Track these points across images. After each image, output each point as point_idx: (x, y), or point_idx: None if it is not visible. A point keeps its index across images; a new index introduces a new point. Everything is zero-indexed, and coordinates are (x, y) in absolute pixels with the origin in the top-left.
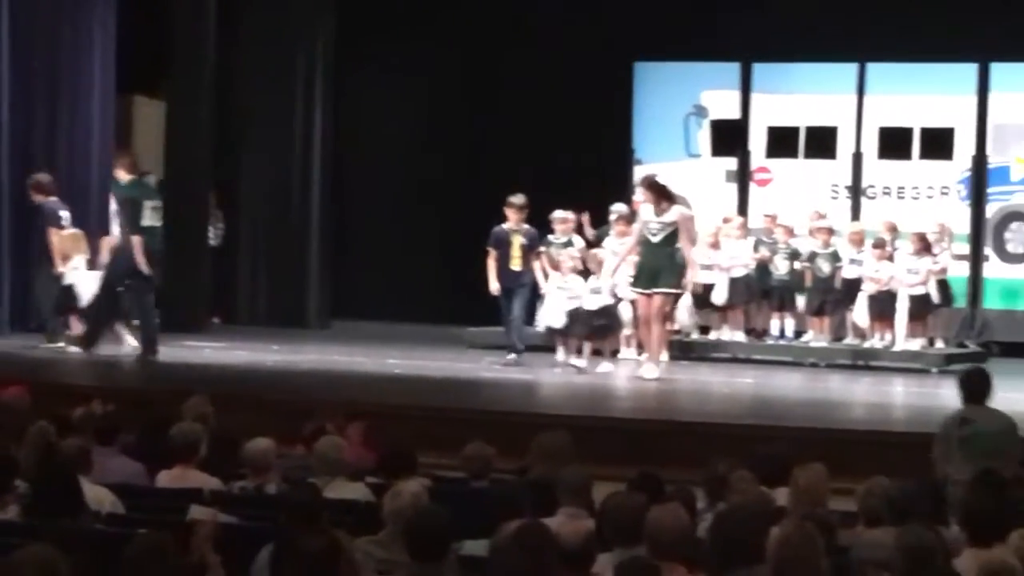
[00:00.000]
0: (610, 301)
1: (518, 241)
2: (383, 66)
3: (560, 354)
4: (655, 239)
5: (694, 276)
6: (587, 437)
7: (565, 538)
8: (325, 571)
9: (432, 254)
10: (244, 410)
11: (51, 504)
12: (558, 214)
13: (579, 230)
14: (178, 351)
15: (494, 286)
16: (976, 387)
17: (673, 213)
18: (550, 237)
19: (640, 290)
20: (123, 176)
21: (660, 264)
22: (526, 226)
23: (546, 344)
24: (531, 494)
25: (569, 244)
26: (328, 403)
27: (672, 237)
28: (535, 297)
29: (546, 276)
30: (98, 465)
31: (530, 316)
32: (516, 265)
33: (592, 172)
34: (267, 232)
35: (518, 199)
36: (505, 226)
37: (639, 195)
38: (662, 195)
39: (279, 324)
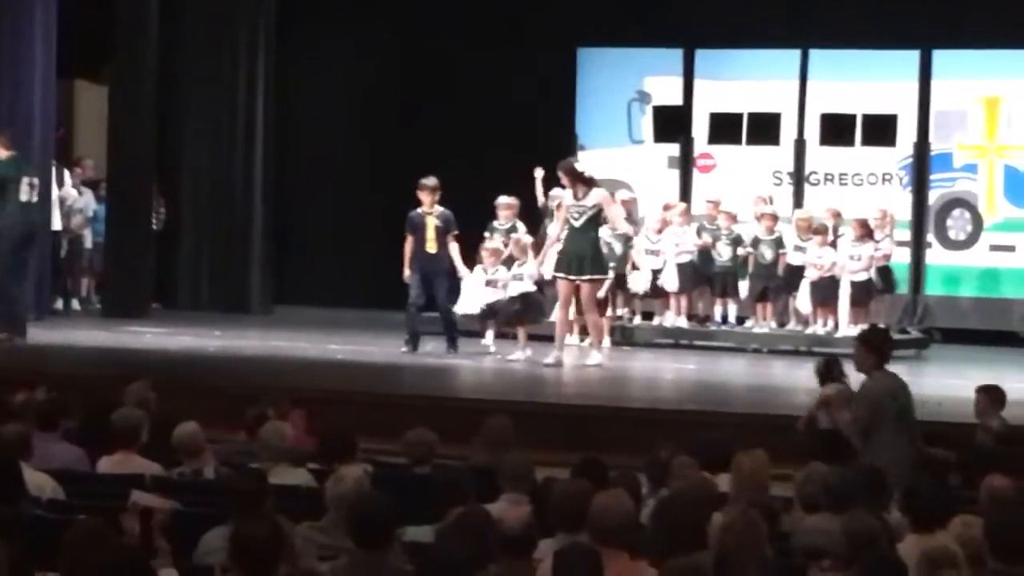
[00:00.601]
0: (531, 288)
1: (432, 223)
2: (325, 52)
3: (488, 338)
4: (577, 223)
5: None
6: (529, 423)
7: (507, 524)
8: (270, 557)
9: (374, 240)
10: (186, 396)
11: None
12: (502, 200)
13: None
14: (120, 336)
15: (407, 272)
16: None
17: (593, 196)
18: (494, 223)
19: (562, 275)
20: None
21: (583, 250)
22: (440, 208)
23: (470, 329)
24: (473, 480)
25: (513, 230)
26: (271, 389)
27: (593, 221)
28: (454, 282)
29: (479, 262)
30: (39, 451)
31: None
32: (432, 248)
33: (535, 158)
34: (209, 217)
35: (430, 181)
36: (419, 210)
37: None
38: (579, 179)
39: (221, 309)
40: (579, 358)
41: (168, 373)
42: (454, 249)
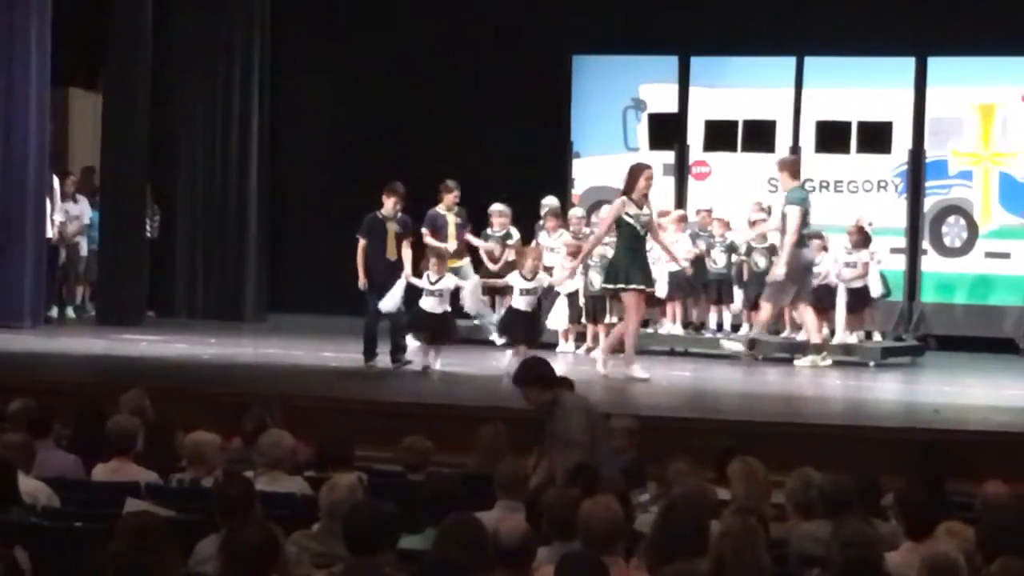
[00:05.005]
0: (448, 308)
1: (392, 229)
2: (321, 59)
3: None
4: (643, 233)
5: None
6: (524, 431)
7: (505, 535)
8: (262, 564)
9: None
10: (180, 403)
11: None
12: (496, 208)
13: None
14: (114, 344)
15: (363, 281)
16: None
17: (651, 206)
18: (488, 231)
19: (640, 287)
20: None
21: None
22: (401, 214)
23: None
24: (468, 488)
25: (508, 237)
26: (264, 395)
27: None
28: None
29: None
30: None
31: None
32: (392, 255)
33: (531, 165)
34: (204, 225)
35: (400, 186)
36: (380, 213)
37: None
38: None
39: (216, 317)
40: (626, 372)
41: (163, 381)
42: (408, 256)
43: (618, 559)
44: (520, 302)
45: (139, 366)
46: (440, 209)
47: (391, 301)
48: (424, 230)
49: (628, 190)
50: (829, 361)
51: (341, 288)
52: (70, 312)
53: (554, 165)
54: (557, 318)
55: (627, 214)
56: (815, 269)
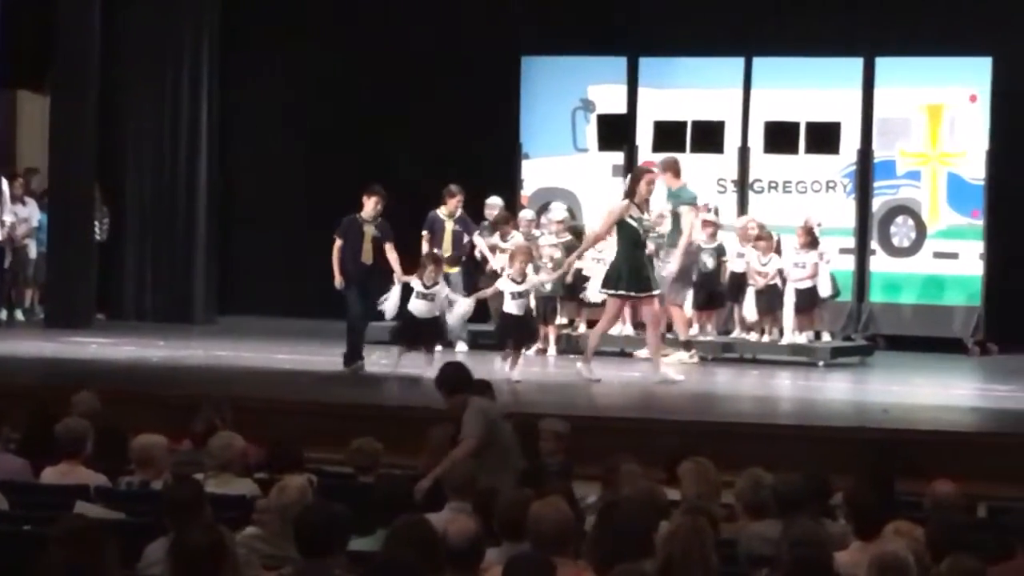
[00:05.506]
0: (437, 313)
1: (370, 232)
2: (270, 60)
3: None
4: (644, 238)
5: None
6: None
7: (453, 536)
8: (211, 566)
9: (319, 249)
10: (130, 406)
11: None
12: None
13: None
14: (63, 347)
15: (339, 280)
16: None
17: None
18: (485, 223)
19: (652, 293)
20: None
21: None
22: (381, 218)
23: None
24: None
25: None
26: (214, 398)
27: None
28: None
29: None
30: None
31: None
32: (368, 259)
33: (480, 166)
34: (153, 227)
35: (376, 187)
36: (359, 215)
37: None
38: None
39: (165, 319)
40: (656, 376)
41: (112, 383)
42: (394, 258)
43: (568, 560)
44: (512, 306)
45: (88, 369)
46: (440, 213)
47: (390, 306)
48: (424, 232)
49: (631, 194)
50: (696, 359)
51: (291, 290)
52: (19, 315)
53: (503, 166)
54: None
55: (631, 217)
56: (763, 268)
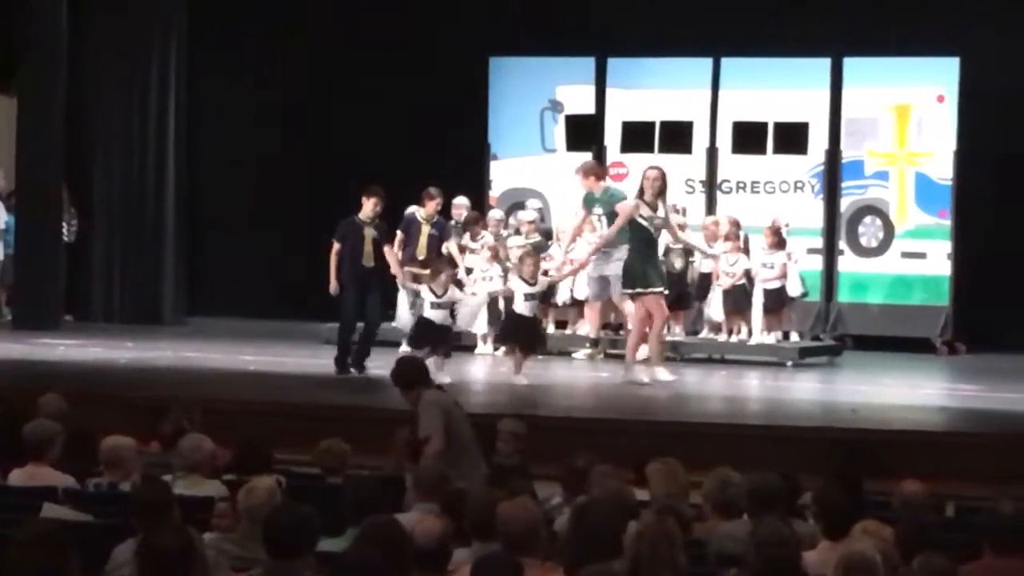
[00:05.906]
0: (451, 321)
1: (370, 235)
2: (238, 62)
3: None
4: (656, 236)
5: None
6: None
7: (421, 536)
8: (180, 569)
9: (288, 250)
10: (98, 408)
11: None
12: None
13: None
14: (31, 348)
15: (334, 285)
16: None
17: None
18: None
19: (659, 291)
20: None
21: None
22: (379, 220)
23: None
24: (386, 490)
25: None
26: (183, 399)
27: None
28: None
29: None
30: None
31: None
32: (369, 262)
33: (448, 167)
34: (121, 228)
35: (375, 187)
36: (357, 217)
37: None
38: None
39: (134, 321)
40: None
41: (80, 385)
42: (393, 261)
43: (536, 560)
44: (524, 307)
45: (56, 370)
46: (419, 215)
47: (403, 315)
48: (398, 231)
49: (641, 192)
50: (602, 355)
51: (260, 291)
52: None
53: (472, 166)
54: (477, 321)
55: (641, 216)
56: (731, 269)
